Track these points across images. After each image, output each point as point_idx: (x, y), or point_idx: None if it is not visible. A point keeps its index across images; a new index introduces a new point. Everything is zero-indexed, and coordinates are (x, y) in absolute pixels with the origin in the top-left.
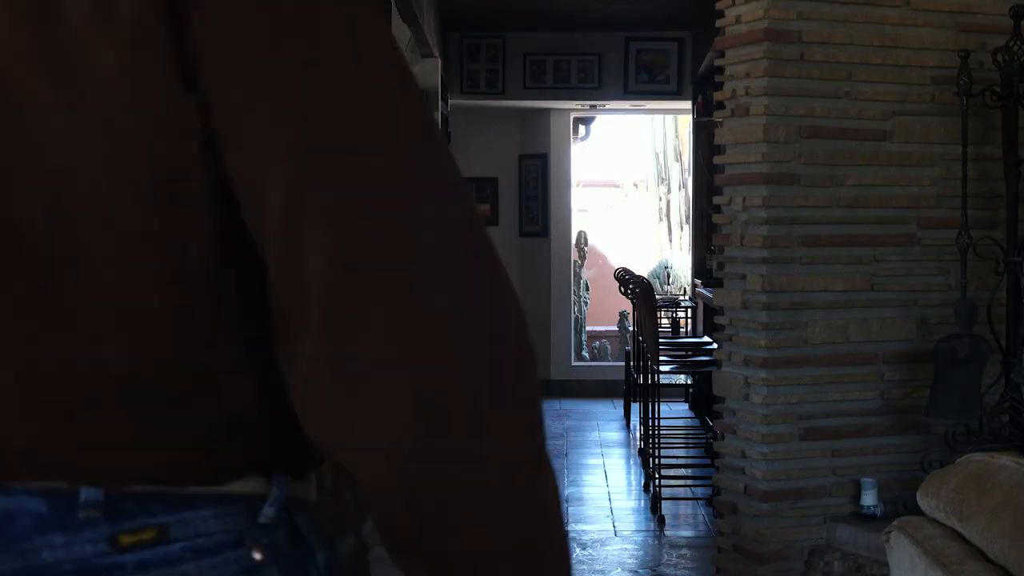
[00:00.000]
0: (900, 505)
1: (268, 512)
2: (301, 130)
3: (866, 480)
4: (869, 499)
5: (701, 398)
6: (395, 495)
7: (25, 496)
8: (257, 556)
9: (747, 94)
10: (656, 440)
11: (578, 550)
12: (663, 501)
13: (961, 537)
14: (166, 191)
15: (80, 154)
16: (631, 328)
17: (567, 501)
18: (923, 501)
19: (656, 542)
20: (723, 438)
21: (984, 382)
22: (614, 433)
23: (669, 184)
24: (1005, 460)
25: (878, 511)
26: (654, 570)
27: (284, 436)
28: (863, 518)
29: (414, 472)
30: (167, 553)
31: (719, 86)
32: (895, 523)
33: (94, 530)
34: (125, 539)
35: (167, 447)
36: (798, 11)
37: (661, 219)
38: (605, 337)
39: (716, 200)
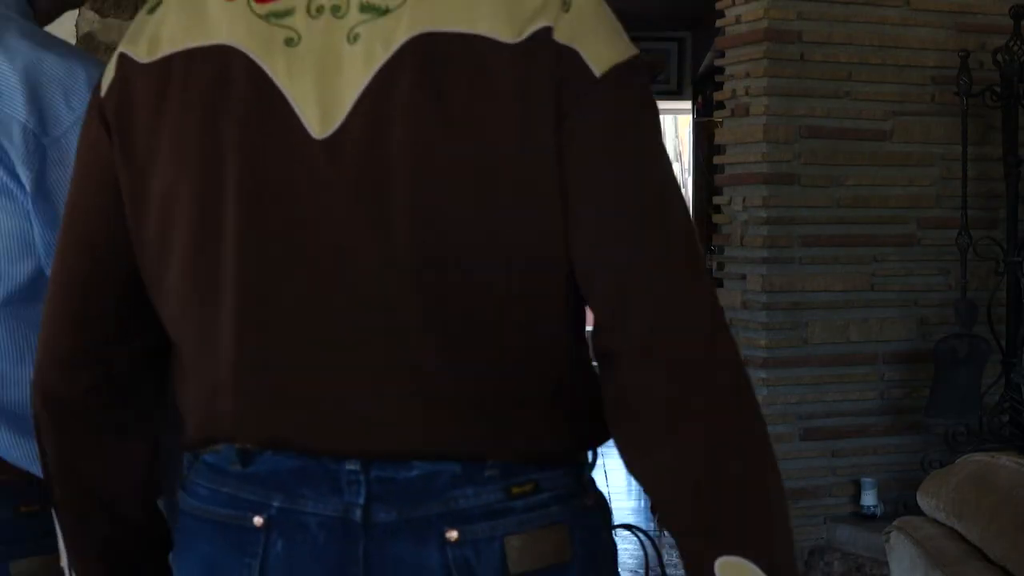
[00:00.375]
0: (900, 505)
1: (589, 473)
2: (632, 226)
3: (866, 480)
4: (869, 499)
5: None
6: (683, 483)
7: (444, 461)
8: (589, 503)
9: (747, 94)
10: None
11: None
12: None
13: (961, 537)
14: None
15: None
16: None
17: None
18: (923, 501)
19: (656, 542)
20: None
21: (984, 382)
22: None
23: None
24: (1005, 460)
25: (878, 511)
26: (654, 570)
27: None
28: (863, 518)
29: (700, 465)
30: (540, 500)
31: (719, 86)
32: (895, 523)
33: (495, 484)
34: (515, 490)
35: (544, 429)
36: (798, 11)
37: None
38: None
39: (716, 200)
